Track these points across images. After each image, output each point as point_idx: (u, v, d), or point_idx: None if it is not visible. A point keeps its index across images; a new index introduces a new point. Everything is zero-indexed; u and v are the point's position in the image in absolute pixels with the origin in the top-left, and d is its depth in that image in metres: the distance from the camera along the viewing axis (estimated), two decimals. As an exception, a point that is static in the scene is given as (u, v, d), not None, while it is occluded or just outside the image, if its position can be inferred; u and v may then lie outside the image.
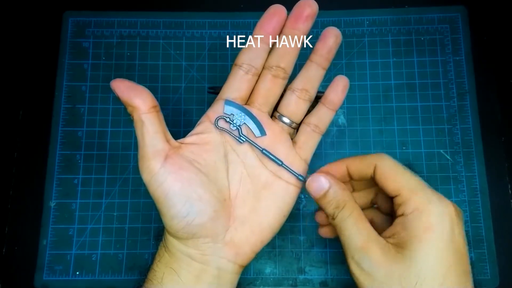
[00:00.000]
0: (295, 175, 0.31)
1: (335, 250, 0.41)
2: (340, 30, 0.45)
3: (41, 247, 0.41)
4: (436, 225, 0.24)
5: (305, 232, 0.41)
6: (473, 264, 0.40)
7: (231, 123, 0.31)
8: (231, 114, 0.31)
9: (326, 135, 0.43)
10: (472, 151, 0.43)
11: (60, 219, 0.42)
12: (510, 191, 0.42)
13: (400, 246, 0.24)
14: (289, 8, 0.46)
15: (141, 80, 0.45)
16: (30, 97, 0.44)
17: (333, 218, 0.27)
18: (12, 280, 0.41)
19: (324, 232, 0.33)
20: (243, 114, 0.31)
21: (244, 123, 0.31)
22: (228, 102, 0.31)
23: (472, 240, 0.41)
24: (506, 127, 0.43)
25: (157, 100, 0.44)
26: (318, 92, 0.36)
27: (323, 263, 0.40)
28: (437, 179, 0.42)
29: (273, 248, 0.41)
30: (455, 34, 0.45)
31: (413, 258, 0.23)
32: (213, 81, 0.45)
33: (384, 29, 0.46)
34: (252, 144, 0.31)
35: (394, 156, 0.42)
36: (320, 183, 0.28)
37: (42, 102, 0.44)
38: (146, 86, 0.44)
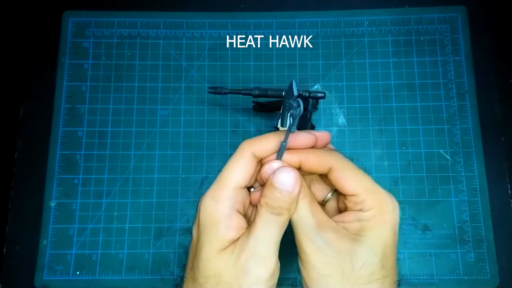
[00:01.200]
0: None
1: (335, 250, 0.41)
2: (340, 30, 0.46)
3: (41, 247, 0.41)
4: (389, 222, 0.27)
5: (305, 232, 0.41)
6: (472, 264, 0.40)
7: None
8: None
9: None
10: (471, 151, 0.43)
11: (60, 219, 0.42)
12: (510, 191, 0.42)
13: (351, 232, 0.27)
14: (287, 8, 0.46)
15: (141, 80, 0.45)
16: (30, 97, 0.44)
17: None
18: (12, 280, 0.41)
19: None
20: None
21: None
22: None
23: (472, 240, 0.41)
24: (506, 127, 0.43)
25: (158, 100, 0.44)
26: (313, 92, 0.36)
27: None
28: (437, 179, 0.42)
29: (273, 248, 0.41)
30: (454, 34, 0.45)
31: (364, 242, 0.26)
32: (213, 81, 0.45)
33: (384, 29, 0.46)
34: None
35: (394, 156, 0.43)
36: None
37: (42, 102, 0.44)
38: (146, 86, 0.45)
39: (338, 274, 0.26)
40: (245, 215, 0.29)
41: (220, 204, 0.27)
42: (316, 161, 0.28)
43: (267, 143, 0.28)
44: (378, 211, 0.27)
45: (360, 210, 0.27)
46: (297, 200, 0.27)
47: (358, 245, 0.26)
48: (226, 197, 0.27)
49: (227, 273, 0.25)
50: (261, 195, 0.27)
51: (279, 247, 0.27)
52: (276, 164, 0.28)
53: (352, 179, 0.28)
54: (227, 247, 0.26)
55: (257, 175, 0.30)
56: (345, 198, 0.28)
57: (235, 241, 0.26)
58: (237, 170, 0.27)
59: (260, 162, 0.29)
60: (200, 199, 0.28)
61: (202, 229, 0.27)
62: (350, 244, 0.26)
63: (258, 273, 0.25)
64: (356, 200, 0.27)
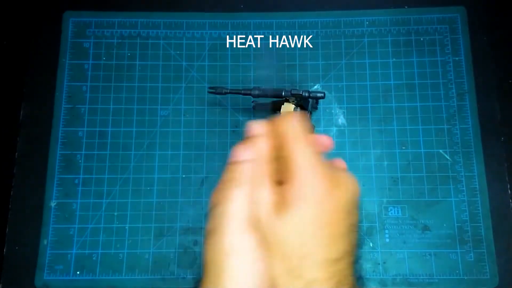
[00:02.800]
0: None
1: (335, 249, 0.41)
2: (340, 30, 0.46)
3: (41, 246, 0.41)
4: None
5: (305, 232, 0.41)
6: (472, 264, 0.40)
7: None
8: None
9: (325, 135, 0.43)
10: (471, 151, 0.43)
11: (60, 219, 0.42)
12: (509, 191, 0.42)
13: None
14: (287, 8, 0.46)
15: (141, 80, 0.45)
16: (31, 97, 0.45)
17: None
18: (13, 280, 0.41)
19: None
20: None
21: None
22: None
23: (472, 240, 0.41)
24: (506, 127, 0.43)
25: (158, 100, 0.44)
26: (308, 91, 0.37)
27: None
28: (437, 179, 0.42)
29: (273, 247, 0.41)
30: (454, 34, 0.45)
31: None
32: (213, 81, 0.45)
33: (384, 29, 0.46)
34: None
35: (393, 156, 0.43)
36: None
37: (43, 102, 0.44)
38: (146, 86, 0.45)
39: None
40: None
41: None
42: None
43: None
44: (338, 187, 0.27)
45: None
46: (260, 170, 0.26)
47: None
48: None
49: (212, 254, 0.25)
50: None
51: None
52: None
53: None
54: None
55: None
56: None
57: None
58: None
59: None
60: None
61: None
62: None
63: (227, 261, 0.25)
64: None
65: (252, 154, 0.27)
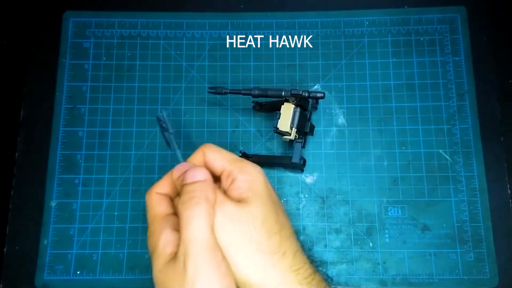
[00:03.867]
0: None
1: (335, 250, 0.41)
2: (340, 30, 0.46)
3: (42, 246, 0.41)
4: (260, 180, 0.29)
5: (305, 232, 0.41)
6: (472, 263, 0.40)
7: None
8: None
9: (326, 135, 0.43)
10: (471, 151, 0.43)
11: (61, 218, 0.42)
12: (509, 191, 0.42)
13: (241, 200, 0.28)
14: (287, 8, 0.46)
15: (141, 80, 0.45)
16: (31, 98, 0.45)
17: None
18: (13, 280, 0.41)
19: None
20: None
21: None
22: None
23: (471, 240, 0.41)
24: (505, 127, 0.43)
25: (158, 100, 0.45)
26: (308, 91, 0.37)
27: (323, 263, 0.41)
28: (436, 179, 0.42)
29: (273, 247, 0.41)
30: (454, 34, 0.45)
31: (252, 204, 0.28)
32: (213, 81, 0.45)
33: (384, 29, 0.46)
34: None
35: (393, 156, 0.43)
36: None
37: (43, 102, 0.44)
38: (146, 87, 0.45)
39: (243, 239, 0.27)
40: None
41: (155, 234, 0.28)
42: (195, 154, 0.31)
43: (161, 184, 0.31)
44: (245, 175, 0.29)
45: (233, 181, 0.29)
46: (212, 189, 0.28)
47: (251, 208, 0.28)
48: (158, 224, 0.29)
49: (175, 285, 0.25)
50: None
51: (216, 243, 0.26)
52: (184, 164, 0.30)
53: (217, 158, 0.30)
54: (169, 260, 0.26)
55: None
56: (220, 181, 0.30)
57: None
58: (157, 201, 0.30)
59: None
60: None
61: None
62: (244, 209, 0.28)
63: (204, 278, 0.25)
64: (227, 175, 0.29)
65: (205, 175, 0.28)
